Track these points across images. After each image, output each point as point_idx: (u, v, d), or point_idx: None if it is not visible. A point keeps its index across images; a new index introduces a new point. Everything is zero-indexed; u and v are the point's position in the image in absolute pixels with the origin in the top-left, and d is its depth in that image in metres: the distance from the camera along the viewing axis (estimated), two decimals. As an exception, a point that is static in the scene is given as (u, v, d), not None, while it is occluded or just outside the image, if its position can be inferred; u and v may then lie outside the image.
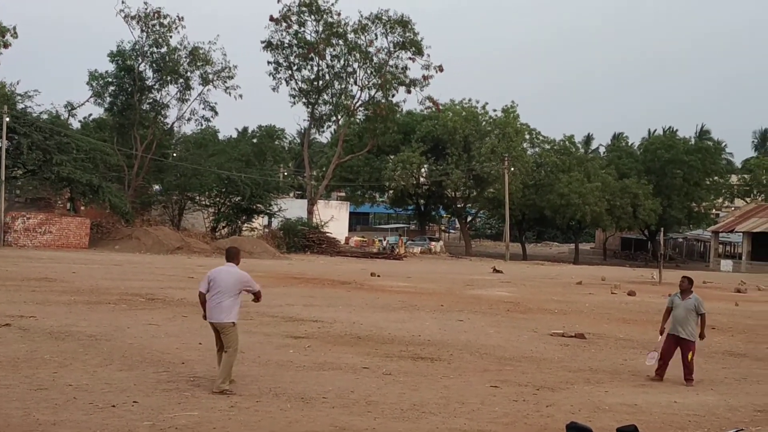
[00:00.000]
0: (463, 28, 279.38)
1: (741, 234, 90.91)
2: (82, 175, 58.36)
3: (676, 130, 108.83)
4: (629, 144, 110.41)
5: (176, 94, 74.62)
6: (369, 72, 78.70)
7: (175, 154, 79.79)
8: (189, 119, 76.73)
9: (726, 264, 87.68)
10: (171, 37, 72.25)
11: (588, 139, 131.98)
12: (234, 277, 13.12)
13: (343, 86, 79.16)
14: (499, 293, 36.13)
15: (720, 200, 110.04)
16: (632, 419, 12.40)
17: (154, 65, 72.77)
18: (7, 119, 55.90)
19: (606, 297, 37.00)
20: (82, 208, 63.84)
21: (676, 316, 16.85)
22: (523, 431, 11.82)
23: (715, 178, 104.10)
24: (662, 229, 72.61)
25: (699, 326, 16.92)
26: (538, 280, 47.93)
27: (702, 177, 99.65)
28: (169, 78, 72.95)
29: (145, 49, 72.18)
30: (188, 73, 73.79)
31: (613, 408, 13.72)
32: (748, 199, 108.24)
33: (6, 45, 64.84)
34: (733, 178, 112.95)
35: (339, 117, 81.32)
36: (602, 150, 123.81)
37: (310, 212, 77.22)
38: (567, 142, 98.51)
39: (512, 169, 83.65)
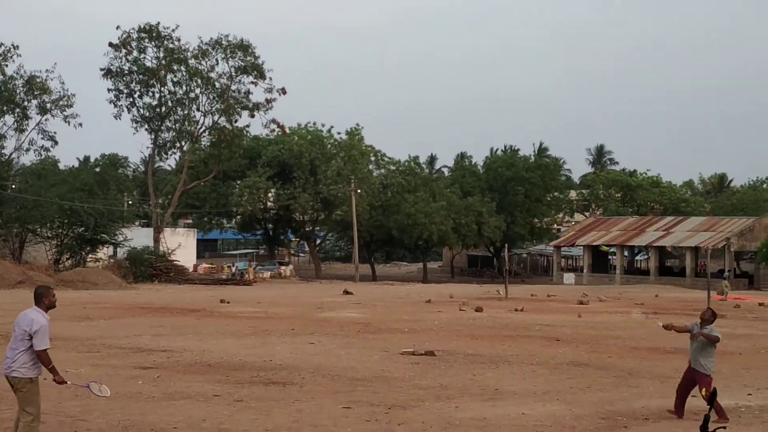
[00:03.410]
0: (308, 50, 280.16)
1: (581, 247, 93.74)
2: None
3: (517, 149, 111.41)
4: (472, 163, 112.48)
5: (13, 124, 72.55)
6: (212, 97, 78.13)
7: (14, 186, 77.42)
8: (28, 149, 74.49)
9: (568, 277, 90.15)
10: (6, 65, 70.32)
11: (432, 160, 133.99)
12: (26, 320, 10.95)
13: (186, 112, 78.29)
14: (350, 315, 36.26)
15: (560, 215, 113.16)
16: (482, 432, 12.65)
17: (-12, 95, 70.61)
18: None
19: (454, 314, 37.51)
20: None
21: (692, 347, 15.15)
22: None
23: (555, 193, 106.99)
24: (506, 245, 74.22)
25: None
26: (389, 300, 48.29)
27: (543, 193, 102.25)
28: (5, 108, 70.87)
29: (-21, 78, 70.01)
30: (25, 103, 71.82)
31: (463, 423, 13.97)
32: (587, 214, 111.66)
33: None
34: (572, 194, 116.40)
35: (183, 143, 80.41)
36: (446, 170, 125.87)
37: (156, 240, 75.96)
38: (412, 163, 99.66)
39: (359, 191, 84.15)
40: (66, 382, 11.28)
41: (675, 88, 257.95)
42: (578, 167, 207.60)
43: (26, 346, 10.78)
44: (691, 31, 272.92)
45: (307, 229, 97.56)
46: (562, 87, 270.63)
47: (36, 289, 11.46)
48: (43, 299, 11.12)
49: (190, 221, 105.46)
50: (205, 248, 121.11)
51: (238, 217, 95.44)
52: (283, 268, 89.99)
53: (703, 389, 14.40)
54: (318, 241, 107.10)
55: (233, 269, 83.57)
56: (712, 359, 14.91)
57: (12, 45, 69.90)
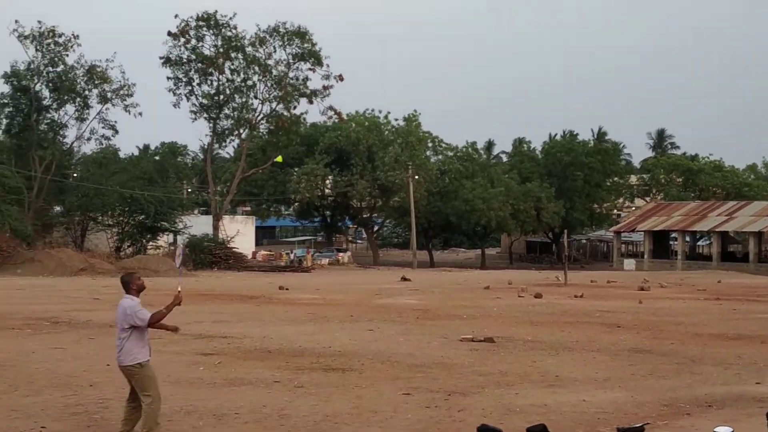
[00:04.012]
0: (364, 40, 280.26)
1: (642, 233, 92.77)
2: (-20, 200, 57.09)
3: (576, 134, 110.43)
4: (531, 148, 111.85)
5: (74, 113, 73.44)
6: (269, 85, 78.53)
7: (75, 175, 78.39)
8: (89, 138, 75.33)
9: (629, 263, 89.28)
10: (67, 55, 71.16)
11: (489, 145, 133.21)
12: (120, 310, 11.20)
13: (244, 100, 78.77)
14: (408, 301, 36.24)
15: (620, 200, 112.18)
16: (542, 419, 12.54)
17: (50, 84, 71.49)
18: None
19: (513, 300, 37.38)
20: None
21: None
22: (436, 437, 11.90)
23: (615, 178, 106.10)
24: (566, 231, 73.66)
25: None
26: (447, 286, 48.21)
27: (602, 178, 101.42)
28: (66, 97, 71.74)
29: (41, 68, 70.91)
30: (86, 92, 72.65)
31: (523, 409, 13.89)
32: (647, 199, 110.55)
33: None
34: (633, 179, 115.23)
35: (241, 131, 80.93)
36: (504, 156, 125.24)
37: (215, 228, 76.53)
38: (470, 149, 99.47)
39: (416, 177, 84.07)
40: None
41: (738, 70, 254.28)
42: (639, 152, 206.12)
43: (127, 334, 11.01)
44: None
45: (364, 215, 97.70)
46: (623, 68, 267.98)
47: (122, 278, 11.69)
48: (131, 285, 11.31)
49: (248, 209, 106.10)
50: (263, 235, 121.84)
51: (296, 204, 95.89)
52: (341, 254, 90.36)
53: None
54: (375, 228, 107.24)
55: (291, 256, 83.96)
56: None
57: (72, 35, 70.88)
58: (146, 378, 11.12)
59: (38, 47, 70.37)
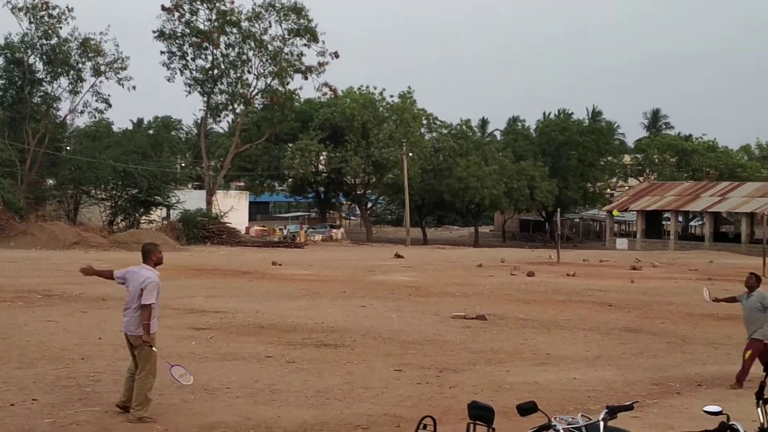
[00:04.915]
0: (359, 11, 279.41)
1: (635, 213, 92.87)
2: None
3: (571, 113, 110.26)
4: (525, 127, 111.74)
5: (68, 86, 73.00)
6: (264, 60, 78.34)
7: (68, 148, 78.15)
8: (82, 112, 74.93)
9: (621, 242, 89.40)
10: (61, 28, 70.64)
11: (484, 123, 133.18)
12: (138, 278, 11.22)
13: (238, 75, 78.58)
14: (401, 278, 36.31)
15: (614, 180, 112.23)
16: (533, 397, 12.56)
17: (44, 57, 71.08)
18: None
19: (506, 278, 37.47)
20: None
21: (744, 317, 15.24)
22: (427, 413, 11.95)
23: (609, 158, 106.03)
24: (559, 209, 73.64)
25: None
26: (440, 264, 48.29)
27: (596, 158, 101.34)
28: (60, 70, 71.35)
29: (35, 41, 70.55)
30: (80, 65, 72.28)
31: (514, 387, 13.97)
32: (641, 178, 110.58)
33: None
34: (626, 158, 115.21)
35: (236, 106, 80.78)
36: (498, 134, 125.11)
37: (209, 203, 76.47)
38: (464, 127, 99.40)
39: (410, 154, 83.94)
40: (152, 347, 11.37)
41: (733, 50, 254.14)
42: (633, 131, 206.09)
43: (140, 303, 11.07)
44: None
45: (358, 192, 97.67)
46: (616, 46, 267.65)
47: (144, 246, 11.76)
48: (151, 255, 11.43)
49: (242, 184, 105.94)
50: (256, 211, 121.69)
51: (290, 180, 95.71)
52: (334, 231, 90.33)
53: (748, 351, 14.65)
54: (369, 205, 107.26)
55: (285, 232, 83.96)
56: (762, 324, 14.76)
57: (67, 7, 70.35)
58: (152, 349, 11.22)
59: (32, 19, 69.91)
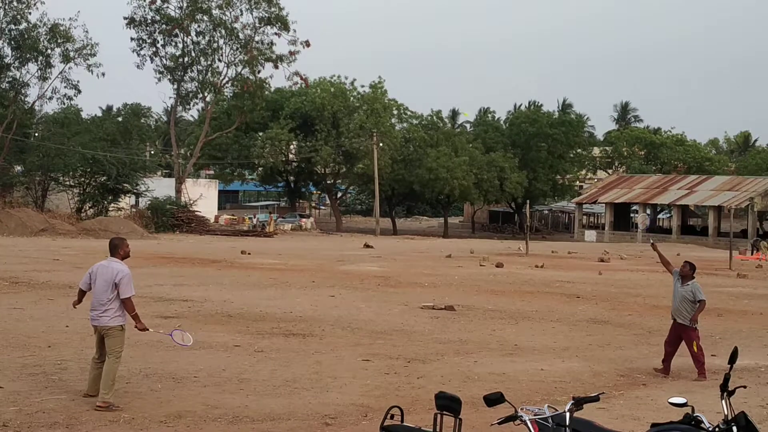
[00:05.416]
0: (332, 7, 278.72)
1: (603, 205, 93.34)
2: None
3: (541, 105, 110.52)
4: (495, 118, 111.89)
5: (36, 72, 72.41)
6: (235, 48, 77.97)
7: (37, 134, 77.53)
8: (50, 98, 74.32)
9: (590, 234, 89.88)
10: (30, 13, 70.02)
11: (454, 114, 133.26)
12: (108, 271, 11.35)
13: (209, 63, 78.14)
14: (370, 268, 36.35)
15: (583, 172, 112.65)
16: (500, 387, 12.63)
17: (12, 42, 70.42)
18: None
19: (475, 269, 37.57)
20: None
21: (673, 303, 15.66)
22: (394, 403, 11.98)
23: (579, 150, 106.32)
24: (528, 201, 73.73)
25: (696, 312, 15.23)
26: (409, 254, 48.34)
27: (566, 150, 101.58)
28: (28, 56, 70.70)
29: (3, 25, 69.86)
30: (48, 51, 71.61)
31: (482, 377, 14.02)
32: (610, 171, 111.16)
33: None
34: (596, 151, 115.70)
35: (206, 94, 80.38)
36: (468, 125, 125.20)
37: (178, 191, 76.11)
38: (434, 117, 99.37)
39: (381, 144, 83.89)
40: (148, 329, 11.85)
41: (701, 44, 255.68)
42: (602, 124, 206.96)
43: (114, 296, 11.27)
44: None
45: (328, 182, 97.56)
46: (588, 40, 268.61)
47: (111, 240, 11.95)
48: (119, 250, 11.62)
49: (211, 172, 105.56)
50: (226, 199, 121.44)
51: (260, 169, 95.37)
52: (303, 220, 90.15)
53: (693, 342, 14.91)
54: (339, 194, 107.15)
55: (254, 221, 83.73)
56: (690, 313, 15.17)
57: (37, -8, 69.66)
58: (122, 339, 11.46)
59: (0, 4, 69.32)
